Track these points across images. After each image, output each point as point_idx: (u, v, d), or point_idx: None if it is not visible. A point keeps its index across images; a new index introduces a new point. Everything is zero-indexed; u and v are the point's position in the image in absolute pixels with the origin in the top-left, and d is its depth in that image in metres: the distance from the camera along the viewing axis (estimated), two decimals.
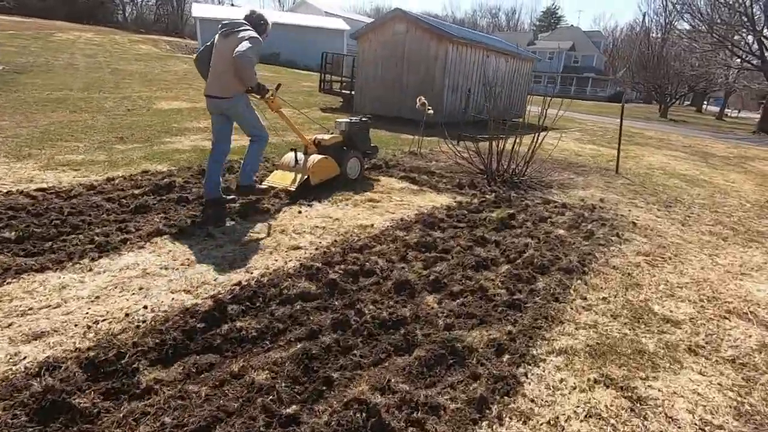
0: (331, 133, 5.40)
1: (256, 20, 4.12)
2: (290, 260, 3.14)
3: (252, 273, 2.92)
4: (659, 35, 32.51)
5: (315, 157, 4.91)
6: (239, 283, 2.74)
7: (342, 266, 3.00)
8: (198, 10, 30.53)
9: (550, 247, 3.70)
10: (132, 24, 44.49)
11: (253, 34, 3.91)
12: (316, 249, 3.35)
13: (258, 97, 4.07)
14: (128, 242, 3.24)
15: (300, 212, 4.18)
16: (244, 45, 3.69)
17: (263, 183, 4.90)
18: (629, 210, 5.25)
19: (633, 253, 3.84)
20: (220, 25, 4.03)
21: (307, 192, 4.65)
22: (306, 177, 4.77)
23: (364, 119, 5.65)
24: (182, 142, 7.02)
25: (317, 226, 3.84)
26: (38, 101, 10.28)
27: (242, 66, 3.69)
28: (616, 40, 63.44)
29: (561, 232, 4.17)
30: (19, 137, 6.49)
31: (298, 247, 3.37)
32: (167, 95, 12.87)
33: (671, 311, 2.87)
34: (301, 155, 4.95)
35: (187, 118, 9.17)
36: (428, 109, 7.41)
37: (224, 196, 4.18)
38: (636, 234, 4.38)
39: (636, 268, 3.53)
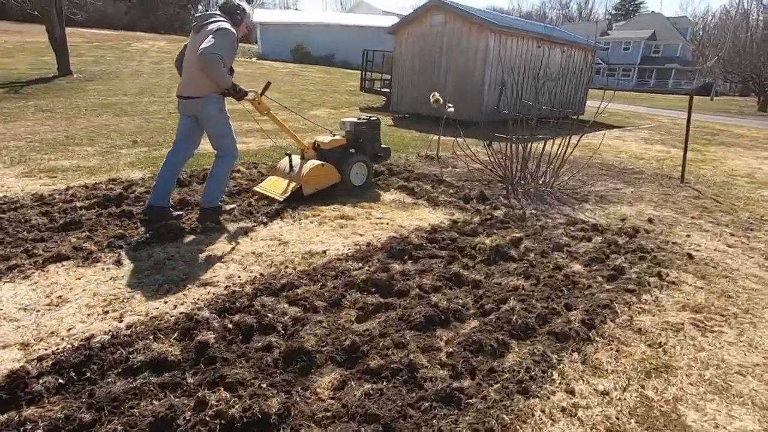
0: (334, 135, 4.74)
1: (230, 10, 3.56)
2: (182, 304, 2.45)
3: (121, 321, 2.26)
4: (760, 16, 28.15)
5: (310, 164, 4.30)
6: (89, 339, 2.10)
7: (237, 317, 2.25)
8: (258, 15, 31.37)
9: (547, 294, 2.67)
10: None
11: (224, 25, 3.37)
12: (227, 287, 2.63)
13: (237, 100, 3.58)
14: (16, 269, 2.73)
15: (247, 233, 3.50)
16: (209, 40, 3.23)
17: (256, 188, 4.41)
18: (687, 236, 3.96)
19: (676, 307, 2.69)
20: (193, 19, 3.52)
21: (295, 202, 4.07)
22: (298, 186, 4.19)
23: (373, 119, 4.94)
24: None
25: (254, 253, 3.13)
26: (90, 106, 10.68)
27: (206, 64, 3.22)
28: (706, 26, 56.55)
29: (577, 268, 3.10)
30: (41, 141, 6.51)
31: (208, 284, 2.68)
32: None
33: (717, 426, 1.78)
34: (297, 160, 4.38)
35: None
36: (448, 107, 6.45)
37: (170, 210, 3.62)
38: (689, 273, 3.17)
39: (675, 333, 2.41)
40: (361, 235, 3.55)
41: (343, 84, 20.00)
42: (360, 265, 2.97)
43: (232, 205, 3.97)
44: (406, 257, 3.16)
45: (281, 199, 4.10)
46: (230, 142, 3.62)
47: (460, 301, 2.55)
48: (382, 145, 5.13)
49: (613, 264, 3.16)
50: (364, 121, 4.86)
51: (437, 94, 5.94)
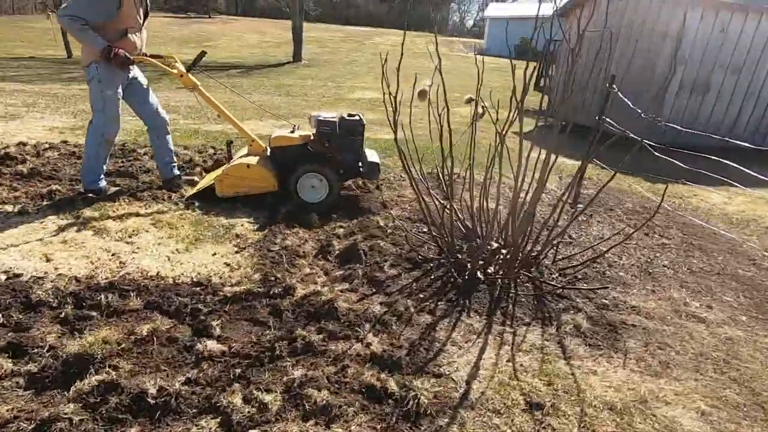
0: (294, 130, 3.60)
1: None
2: None
3: None
4: None
5: (236, 161, 3.44)
6: None
7: None
8: (490, 10, 30.20)
9: None
10: (451, 30, 48.79)
11: None
12: None
13: (119, 67, 3.08)
14: None
15: None
16: (67, 1, 2.98)
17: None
18: None
19: None
20: None
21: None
22: (210, 184, 3.42)
23: (351, 118, 3.52)
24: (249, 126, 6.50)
25: None
26: (270, 86, 12.13)
27: (66, 28, 3.18)
28: None
29: None
30: None
31: None
32: (375, 86, 13.09)
33: None
34: (242, 152, 3.65)
35: (332, 109, 8.53)
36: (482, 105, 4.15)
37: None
38: None
39: None
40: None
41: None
42: None
43: (115, 188, 3.48)
44: None
45: (186, 195, 3.45)
46: (99, 117, 3.19)
47: None
48: (360, 157, 3.58)
49: None
50: (330, 119, 3.46)
51: (428, 82, 3.78)
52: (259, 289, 2.27)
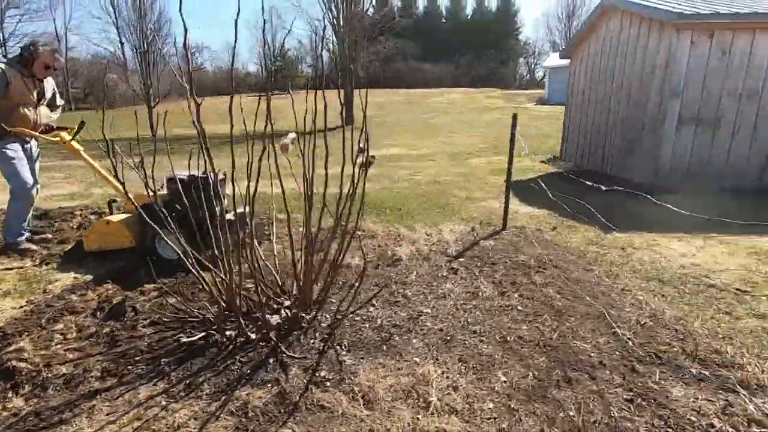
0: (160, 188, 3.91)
1: (23, 49, 3.70)
2: None
3: None
4: None
5: (101, 219, 3.80)
6: None
7: None
8: (550, 60, 29.67)
9: None
10: (517, 83, 48.46)
11: None
12: None
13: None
14: None
15: None
16: None
17: None
18: None
19: None
20: None
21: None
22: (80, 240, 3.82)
23: (202, 175, 3.68)
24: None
25: None
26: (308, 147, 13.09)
27: None
28: None
29: None
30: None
31: None
32: (402, 143, 13.29)
33: None
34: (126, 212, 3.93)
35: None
36: (371, 157, 3.93)
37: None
38: None
39: None
40: None
41: None
42: None
43: (35, 247, 3.87)
44: None
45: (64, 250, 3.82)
46: (14, 181, 3.65)
47: None
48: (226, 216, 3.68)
49: None
50: (177, 177, 3.49)
51: (291, 135, 3.65)
52: None
